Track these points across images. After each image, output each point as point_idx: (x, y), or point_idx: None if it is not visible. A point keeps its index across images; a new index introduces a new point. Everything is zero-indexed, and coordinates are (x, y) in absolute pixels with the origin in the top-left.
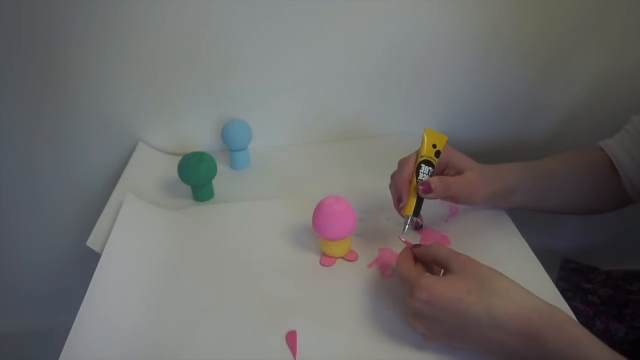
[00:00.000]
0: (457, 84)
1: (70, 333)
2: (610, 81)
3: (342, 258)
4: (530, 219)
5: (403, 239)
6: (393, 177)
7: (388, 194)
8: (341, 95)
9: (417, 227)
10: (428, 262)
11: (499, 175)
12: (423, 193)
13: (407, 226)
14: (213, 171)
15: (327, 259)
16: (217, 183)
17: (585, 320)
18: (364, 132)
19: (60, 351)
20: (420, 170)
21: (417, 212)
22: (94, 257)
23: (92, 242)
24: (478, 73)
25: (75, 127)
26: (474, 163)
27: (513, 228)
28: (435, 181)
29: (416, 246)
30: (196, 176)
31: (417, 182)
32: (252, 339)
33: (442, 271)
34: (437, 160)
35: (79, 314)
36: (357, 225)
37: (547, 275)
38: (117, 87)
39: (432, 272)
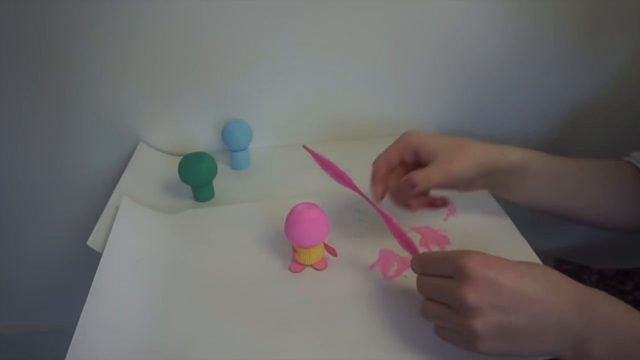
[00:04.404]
0: (457, 85)
1: (73, 337)
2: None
3: (312, 266)
4: (530, 219)
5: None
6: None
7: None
8: (341, 95)
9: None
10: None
11: (502, 151)
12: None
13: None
14: (213, 171)
15: (295, 266)
16: (217, 183)
17: None
18: (364, 132)
19: (61, 352)
20: None
21: None
22: (95, 257)
23: (93, 242)
24: (479, 73)
25: (75, 126)
26: (454, 142)
27: (513, 228)
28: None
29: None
30: (196, 176)
31: None
32: (255, 341)
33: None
34: None
35: (80, 318)
36: (356, 226)
37: None
38: (117, 87)
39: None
